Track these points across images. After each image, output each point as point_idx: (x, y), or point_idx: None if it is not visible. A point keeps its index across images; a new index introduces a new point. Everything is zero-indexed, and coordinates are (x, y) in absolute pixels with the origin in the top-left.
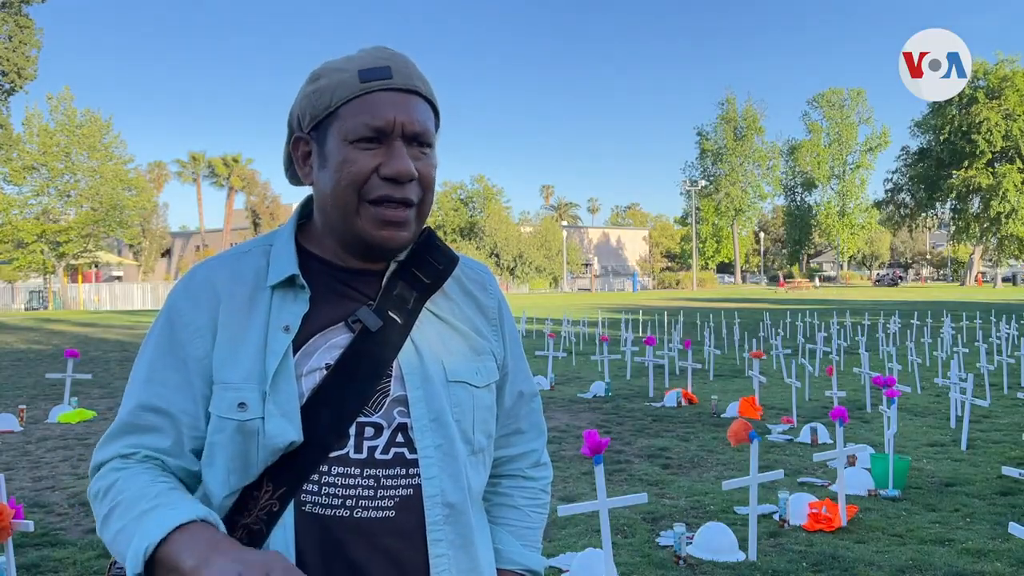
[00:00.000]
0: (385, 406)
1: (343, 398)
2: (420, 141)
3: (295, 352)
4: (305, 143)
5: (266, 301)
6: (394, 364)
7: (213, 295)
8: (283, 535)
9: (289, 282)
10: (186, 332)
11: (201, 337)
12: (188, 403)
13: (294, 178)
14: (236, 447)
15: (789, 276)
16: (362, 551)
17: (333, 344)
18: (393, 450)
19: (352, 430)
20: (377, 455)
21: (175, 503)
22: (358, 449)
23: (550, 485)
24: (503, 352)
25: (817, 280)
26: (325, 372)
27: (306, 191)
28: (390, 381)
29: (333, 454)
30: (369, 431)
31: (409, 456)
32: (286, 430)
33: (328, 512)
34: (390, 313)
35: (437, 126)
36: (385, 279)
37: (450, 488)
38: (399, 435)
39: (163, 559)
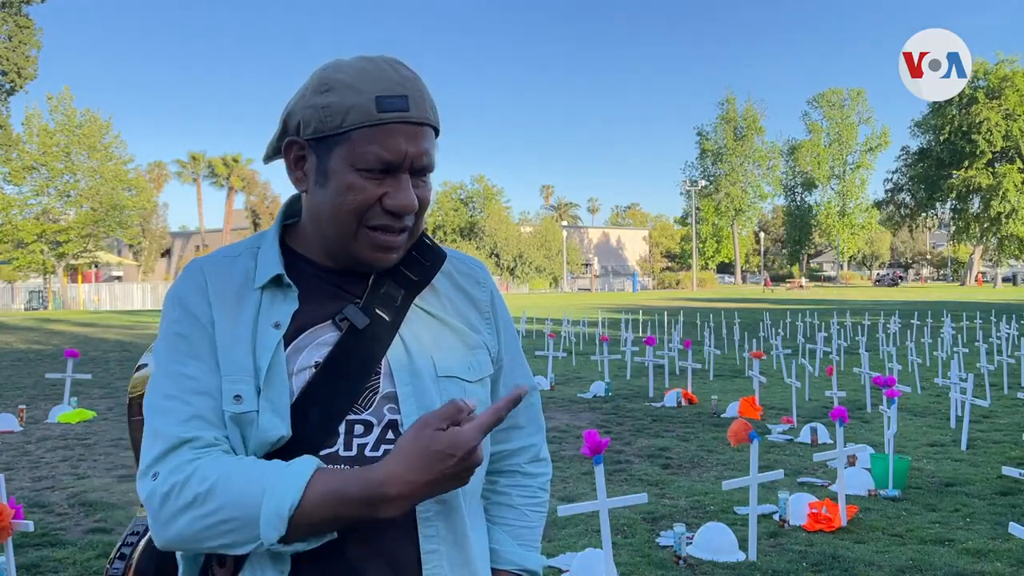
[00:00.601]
0: (375, 403)
1: (332, 396)
2: (424, 172)
3: (284, 349)
4: (300, 148)
5: (255, 301)
6: (383, 361)
7: (206, 291)
8: None
9: (276, 282)
10: (203, 320)
11: (211, 328)
12: (217, 390)
13: (270, 159)
14: (234, 439)
15: (789, 276)
16: (354, 546)
17: (321, 342)
18: (383, 447)
19: (342, 428)
20: (367, 452)
21: (284, 462)
22: (348, 447)
23: (549, 482)
24: (497, 345)
25: (804, 280)
26: (314, 370)
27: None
28: (379, 378)
29: (323, 452)
30: (359, 428)
31: None
32: (277, 425)
33: None
34: (377, 310)
35: (435, 147)
36: (372, 277)
37: None
38: (389, 432)
39: (312, 508)
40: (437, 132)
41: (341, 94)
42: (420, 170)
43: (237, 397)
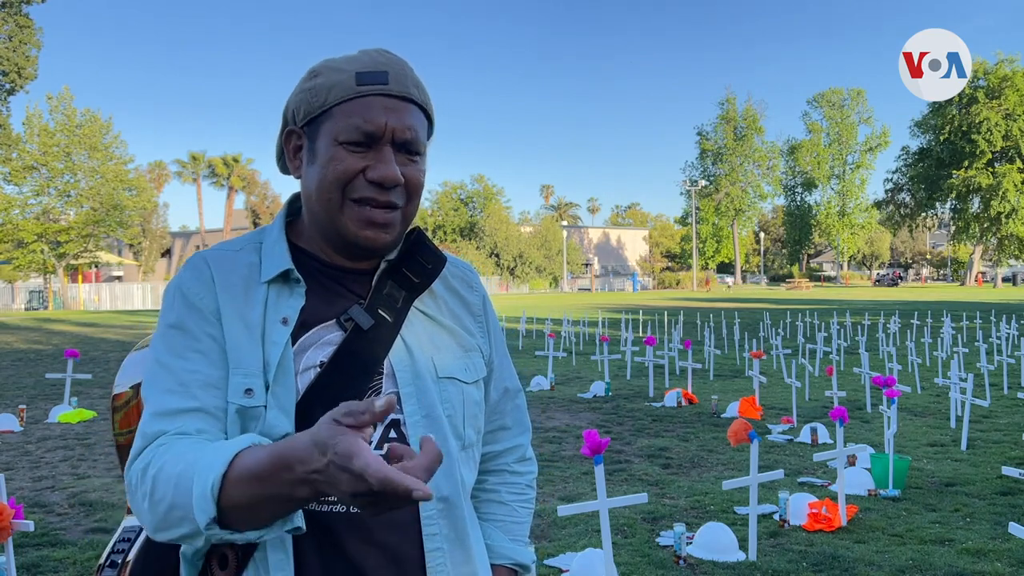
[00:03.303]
0: None
1: (336, 395)
2: (409, 149)
3: (292, 346)
4: (297, 136)
5: (262, 295)
6: (385, 362)
7: (212, 284)
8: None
9: (283, 277)
10: (206, 312)
11: (216, 320)
12: (222, 383)
13: (285, 168)
14: (235, 432)
15: (789, 276)
16: (358, 546)
17: (326, 341)
18: (386, 446)
19: None
20: None
21: (224, 441)
22: None
23: (535, 480)
24: (489, 348)
25: (806, 281)
26: (319, 370)
27: (296, 187)
28: (381, 379)
29: None
30: None
31: None
32: (283, 422)
33: (324, 508)
34: (380, 312)
35: (430, 133)
36: (376, 278)
37: (443, 482)
38: (391, 431)
39: (237, 498)
40: (428, 116)
41: (326, 76)
42: (404, 145)
43: (249, 391)
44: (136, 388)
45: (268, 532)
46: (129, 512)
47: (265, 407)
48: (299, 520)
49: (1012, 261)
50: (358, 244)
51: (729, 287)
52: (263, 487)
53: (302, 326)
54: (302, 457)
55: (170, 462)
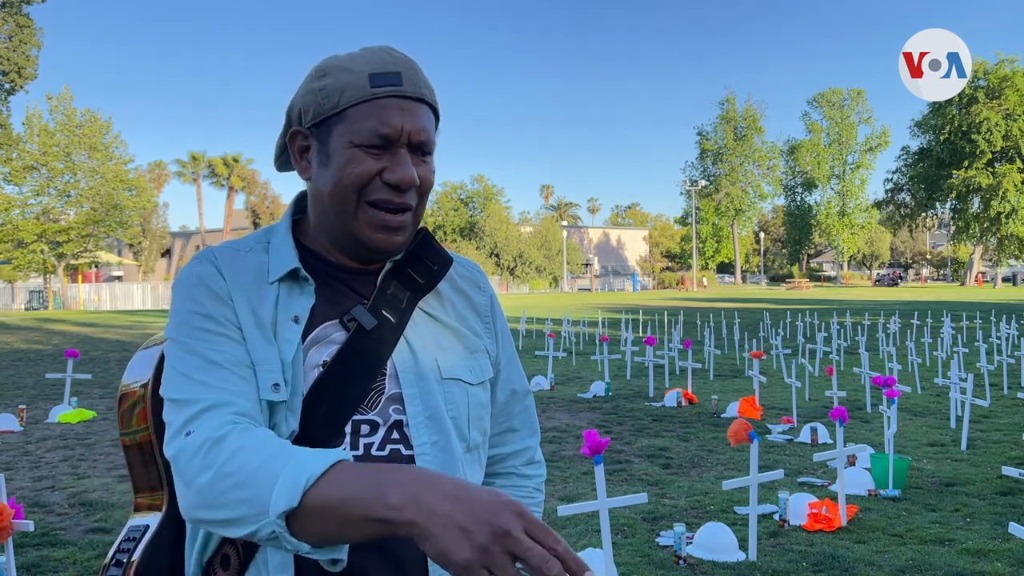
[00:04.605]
0: (380, 404)
1: (339, 395)
2: (423, 149)
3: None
4: (304, 137)
5: (272, 294)
6: (388, 363)
7: (223, 277)
8: None
9: (292, 276)
10: (225, 299)
11: (234, 310)
12: (251, 364)
13: (283, 166)
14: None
15: (789, 276)
16: (361, 548)
17: (329, 341)
18: (389, 447)
19: (348, 427)
20: (373, 452)
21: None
22: (354, 446)
23: (544, 483)
24: (496, 349)
25: (806, 281)
26: (321, 369)
27: (300, 186)
28: (384, 379)
29: None
30: (365, 428)
31: (405, 452)
32: (290, 420)
33: None
34: (384, 312)
35: (436, 130)
36: (380, 278)
37: None
38: (395, 432)
39: (327, 497)
40: (437, 116)
41: (336, 76)
42: (419, 146)
43: (276, 385)
44: (144, 387)
45: (315, 552)
46: (135, 512)
47: (287, 402)
48: (343, 553)
49: (1012, 261)
50: (370, 247)
51: (705, 286)
52: (354, 508)
53: (306, 325)
54: (427, 498)
55: (255, 444)
